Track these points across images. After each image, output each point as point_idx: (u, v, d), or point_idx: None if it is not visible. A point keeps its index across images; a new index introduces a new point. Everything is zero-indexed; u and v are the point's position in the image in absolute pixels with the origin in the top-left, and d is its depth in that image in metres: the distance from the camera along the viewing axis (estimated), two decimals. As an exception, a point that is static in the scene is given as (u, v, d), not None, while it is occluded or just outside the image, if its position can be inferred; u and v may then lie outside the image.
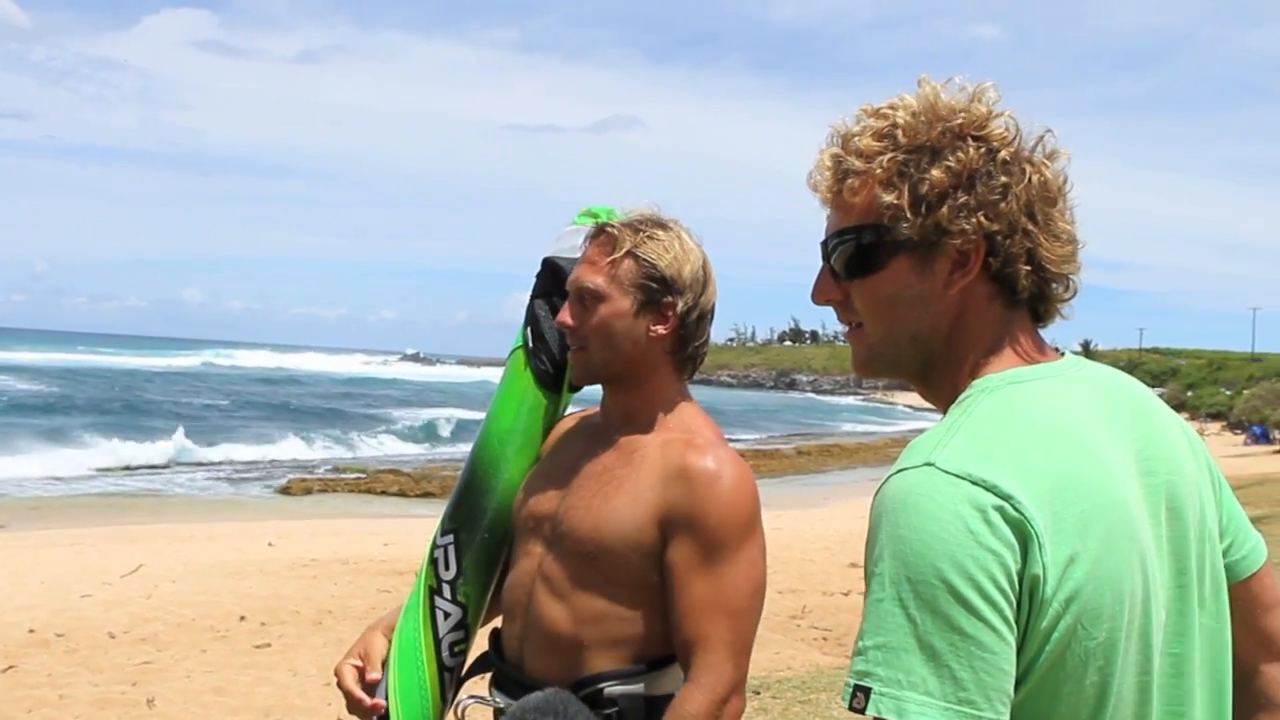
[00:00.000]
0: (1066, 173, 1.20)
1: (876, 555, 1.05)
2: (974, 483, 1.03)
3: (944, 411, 1.19)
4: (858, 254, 1.21)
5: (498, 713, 1.95)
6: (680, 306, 1.88)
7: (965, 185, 1.15)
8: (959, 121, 1.16)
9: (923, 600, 1.00)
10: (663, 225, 1.90)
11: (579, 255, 2.00)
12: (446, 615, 2.00)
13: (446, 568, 2.02)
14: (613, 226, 1.90)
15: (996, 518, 1.01)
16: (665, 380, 1.93)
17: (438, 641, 1.99)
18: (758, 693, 5.74)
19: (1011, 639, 1.01)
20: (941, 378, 1.22)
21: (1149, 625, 1.10)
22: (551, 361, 2.04)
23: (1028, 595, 1.02)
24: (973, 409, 1.13)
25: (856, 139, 1.19)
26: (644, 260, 1.86)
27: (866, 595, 1.05)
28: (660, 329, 1.88)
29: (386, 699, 1.97)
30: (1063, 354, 1.26)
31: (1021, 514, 1.02)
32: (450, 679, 2.00)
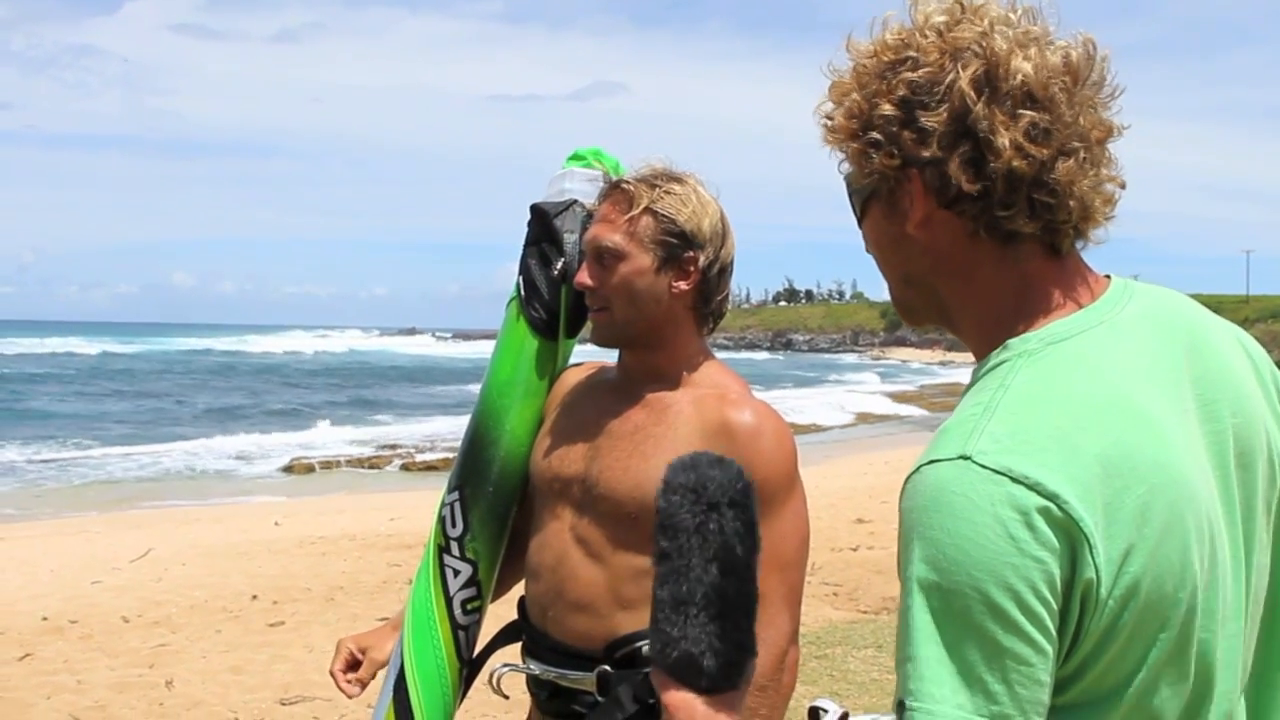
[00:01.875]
0: (1022, 69, 1.04)
1: (907, 558, 0.98)
2: (1016, 480, 0.95)
3: (978, 358, 1.13)
4: (852, 203, 1.20)
5: (530, 678, 1.95)
6: (702, 261, 1.85)
7: (865, 129, 1.10)
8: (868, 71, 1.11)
9: (955, 610, 0.95)
10: (678, 179, 1.87)
11: (564, 199, 1.98)
12: (456, 573, 1.98)
13: (453, 525, 2.00)
14: (628, 182, 1.86)
15: (1040, 521, 0.94)
16: (688, 336, 1.90)
17: (449, 600, 1.98)
18: (772, 650, 5.76)
19: (1050, 648, 0.95)
20: (962, 325, 1.16)
21: (1214, 599, 1.05)
22: (544, 308, 2.02)
23: (1079, 600, 0.96)
24: (1010, 381, 1.04)
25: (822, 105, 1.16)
26: (662, 216, 1.83)
27: (900, 598, 1.00)
28: (682, 285, 1.86)
29: (401, 671, 1.97)
30: (1109, 279, 1.16)
31: (1069, 514, 0.94)
32: (465, 638, 1.99)
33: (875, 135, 1.08)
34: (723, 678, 1.12)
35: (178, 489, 16.74)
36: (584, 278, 1.88)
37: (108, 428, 25.44)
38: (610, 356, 2.03)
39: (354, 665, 2.06)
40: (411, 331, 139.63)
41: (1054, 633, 0.96)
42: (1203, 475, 1.07)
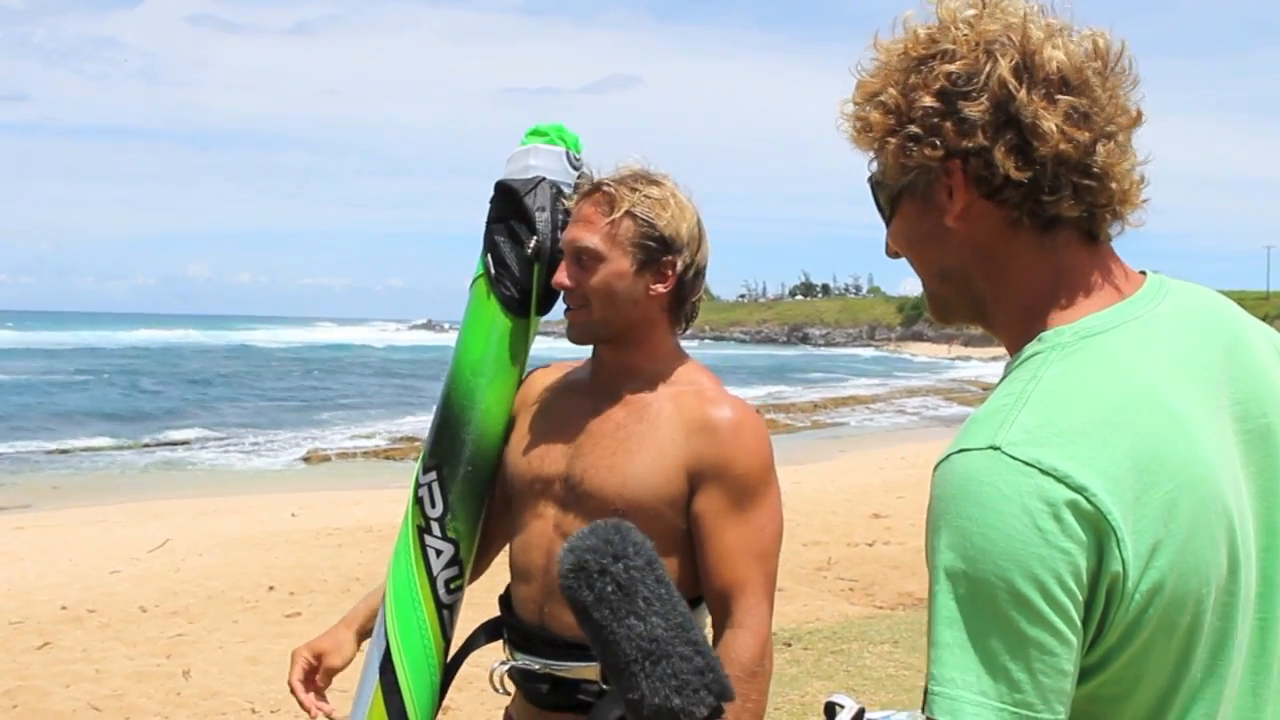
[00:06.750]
0: (1057, 58, 1.06)
1: (935, 545, 0.99)
2: (1044, 472, 0.95)
3: (1011, 352, 1.13)
4: (878, 203, 1.21)
5: (519, 673, 1.95)
6: (679, 265, 1.89)
7: (904, 123, 1.10)
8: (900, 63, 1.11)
9: (981, 599, 0.95)
10: (656, 182, 1.90)
11: (530, 175, 2.00)
12: (439, 553, 2.00)
13: (433, 505, 2.02)
14: (609, 185, 1.89)
15: (1068, 514, 0.94)
16: (663, 335, 1.94)
17: (432, 580, 2.00)
18: (789, 644, 5.76)
19: (1075, 639, 0.96)
20: (997, 319, 1.16)
21: (1238, 596, 1.04)
22: (516, 286, 2.02)
23: (1105, 592, 0.96)
24: (1043, 373, 1.04)
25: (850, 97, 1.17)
26: (642, 220, 1.86)
27: (930, 584, 1.01)
28: (660, 288, 1.89)
29: (387, 652, 1.97)
30: (1145, 275, 1.16)
31: (1097, 507, 0.95)
32: (450, 616, 2.01)
33: (915, 129, 1.09)
34: (698, 703, 1.13)
35: (196, 480, 16.84)
36: (562, 278, 1.91)
37: (127, 419, 25.57)
38: (582, 355, 2.04)
39: (312, 673, 2.05)
40: (429, 325, 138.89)
41: (1079, 624, 0.96)
42: (1231, 474, 1.06)
